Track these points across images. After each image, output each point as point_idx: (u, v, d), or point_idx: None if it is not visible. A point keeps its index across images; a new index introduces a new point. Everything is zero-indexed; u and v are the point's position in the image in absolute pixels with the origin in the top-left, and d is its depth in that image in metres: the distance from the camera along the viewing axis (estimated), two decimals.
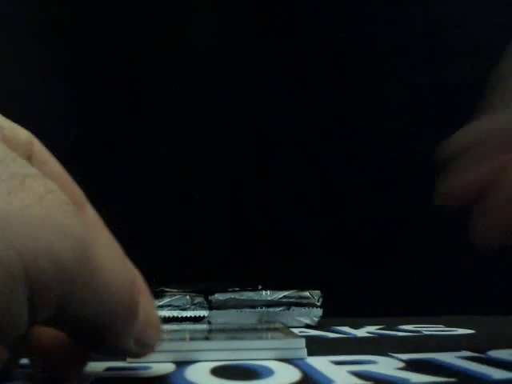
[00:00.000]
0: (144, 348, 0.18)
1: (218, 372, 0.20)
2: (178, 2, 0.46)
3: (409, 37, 0.45)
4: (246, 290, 0.36)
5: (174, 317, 0.35)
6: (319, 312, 0.36)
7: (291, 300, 0.36)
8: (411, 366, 0.21)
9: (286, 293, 0.36)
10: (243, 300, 0.36)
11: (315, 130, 0.47)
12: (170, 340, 0.24)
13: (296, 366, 0.21)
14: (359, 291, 0.48)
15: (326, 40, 0.47)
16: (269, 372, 0.20)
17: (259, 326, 0.32)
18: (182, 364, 0.22)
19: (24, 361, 0.21)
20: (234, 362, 0.22)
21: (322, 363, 0.22)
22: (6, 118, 0.18)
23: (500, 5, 0.43)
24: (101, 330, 0.16)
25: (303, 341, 0.23)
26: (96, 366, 0.21)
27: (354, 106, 0.46)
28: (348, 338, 0.30)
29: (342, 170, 0.47)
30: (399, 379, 0.19)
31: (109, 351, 0.18)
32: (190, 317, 0.35)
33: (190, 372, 0.20)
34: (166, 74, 0.47)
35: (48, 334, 0.18)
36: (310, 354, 0.23)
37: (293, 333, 0.27)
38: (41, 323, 0.15)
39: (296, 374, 0.20)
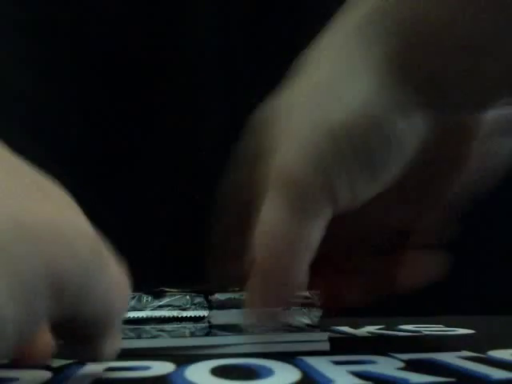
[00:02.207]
0: (112, 351, 0.19)
1: (217, 372, 0.20)
2: (178, 2, 0.46)
3: None
4: (246, 290, 0.36)
5: (173, 317, 0.34)
6: (319, 312, 0.36)
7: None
8: (411, 365, 0.21)
9: None
10: (243, 300, 0.36)
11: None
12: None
13: (296, 365, 0.21)
14: None
15: None
16: (269, 372, 0.20)
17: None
18: (181, 364, 0.22)
19: None
20: (234, 362, 0.22)
21: (322, 363, 0.22)
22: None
23: None
24: (97, 329, 0.17)
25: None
26: (96, 366, 0.21)
27: None
28: (348, 338, 0.30)
29: None
30: (399, 379, 0.19)
31: (88, 350, 0.18)
32: (190, 317, 0.35)
33: (190, 372, 0.20)
34: (166, 73, 0.47)
35: None
36: (310, 354, 0.23)
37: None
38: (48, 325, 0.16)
39: (296, 374, 0.20)
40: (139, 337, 0.29)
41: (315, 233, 0.23)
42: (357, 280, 0.30)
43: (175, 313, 0.35)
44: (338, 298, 0.30)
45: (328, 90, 0.23)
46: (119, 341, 0.19)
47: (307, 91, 0.24)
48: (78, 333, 0.17)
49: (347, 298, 0.30)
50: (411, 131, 0.22)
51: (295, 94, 0.25)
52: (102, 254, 0.16)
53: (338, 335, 0.31)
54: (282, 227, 0.23)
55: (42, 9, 0.45)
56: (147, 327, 0.34)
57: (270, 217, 0.23)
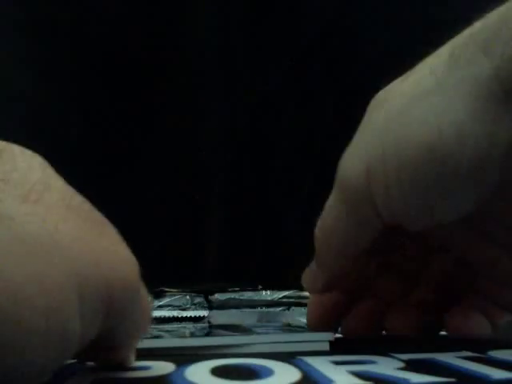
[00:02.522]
0: (131, 361, 0.21)
1: (217, 372, 0.20)
2: (178, 2, 0.46)
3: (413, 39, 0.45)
4: (246, 290, 0.36)
5: (173, 317, 0.35)
6: None
7: (291, 300, 0.36)
8: (411, 365, 0.21)
9: (285, 293, 0.36)
10: (243, 300, 0.36)
11: (318, 129, 0.47)
12: None
13: (296, 365, 0.21)
14: None
15: (328, 38, 0.47)
16: (269, 372, 0.20)
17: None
18: (181, 364, 0.22)
19: None
20: (234, 362, 0.22)
21: (321, 363, 0.22)
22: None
23: None
24: (127, 341, 0.20)
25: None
26: (96, 366, 0.21)
27: (359, 105, 0.46)
28: (348, 338, 0.30)
29: None
30: (399, 379, 0.19)
31: (110, 359, 0.21)
32: (190, 317, 0.35)
33: (190, 372, 0.20)
34: (166, 73, 0.47)
35: None
36: (310, 354, 0.23)
37: None
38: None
39: (296, 374, 0.20)
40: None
41: (358, 236, 0.24)
42: (413, 313, 0.28)
43: (175, 313, 0.35)
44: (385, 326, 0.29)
45: (419, 102, 0.21)
46: (135, 352, 0.21)
47: (400, 96, 0.22)
48: (109, 343, 0.19)
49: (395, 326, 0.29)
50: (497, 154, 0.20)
51: (393, 92, 0.23)
52: (140, 279, 0.19)
53: (338, 335, 0.31)
54: (331, 222, 0.25)
55: (41, 9, 0.45)
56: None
57: (327, 211, 0.25)
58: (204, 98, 0.47)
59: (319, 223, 0.25)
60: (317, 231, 0.26)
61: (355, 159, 0.23)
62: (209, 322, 0.35)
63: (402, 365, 0.21)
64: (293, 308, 0.35)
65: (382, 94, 0.24)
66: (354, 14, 0.47)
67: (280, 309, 0.35)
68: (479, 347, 0.25)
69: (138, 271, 0.18)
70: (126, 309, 0.18)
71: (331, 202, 0.25)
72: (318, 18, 0.47)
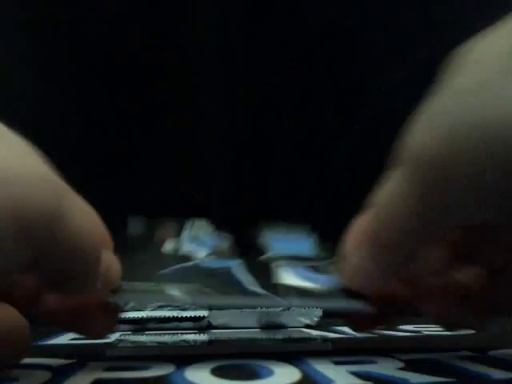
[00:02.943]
0: (107, 286, 0.20)
1: (217, 372, 0.20)
2: (178, 2, 0.46)
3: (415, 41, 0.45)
4: None
5: (173, 317, 0.34)
6: (319, 312, 0.36)
7: None
8: (411, 365, 0.21)
9: None
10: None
11: (318, 129, 0.47)
12: None
13: (296, 366, 0.21)
14: None
15: (328, 38, 0.47)
16: (269, 372, 0.20)
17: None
18: (181, 364, 0.22)
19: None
20: (234, 362, 0.22)
21: (322, 363, 0.22)
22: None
23: None
24: (82, 267, 0.19)
25: None
26: (96, 366, 0.21)
27: (359, 105, 0.46)
28: (348, 338, 0.30)
29: (346, 170, 0.47)
30: (399, 379, 0.19)
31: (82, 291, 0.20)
32: (190, 317, 0.35)
33: (190, 372, 0.20)
34: (166, 73, 0.47)
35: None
36: (310, 354, 0.23)
37: None
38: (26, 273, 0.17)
39: (296, 374, 0.20)
40: (139, 337, 0.29)
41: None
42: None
43: (175, 313, 0.35)
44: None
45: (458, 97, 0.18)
46: (117, 273, 0.20)
47: (461, 79, 0.19)
48: (66, 275, 0.18)
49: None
50: None
51: (466, 63, 0.19)
52: (65, 194, 0.17)
53: (338, 335, 0.31)
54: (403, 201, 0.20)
55: (41, 9, 0.45)
56: (147, 327, 0.34)
57: (394, 190, 0.20)
58: (204, 97, 0.47)
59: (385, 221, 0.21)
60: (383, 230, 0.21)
61: (437, 143, 0.19)
62: (209, 322, 0.35)
63: (401, 365, 0.21)
64: (293, 308, 0.35)
65: (460, 57, 0.20)
66: (353, 13, 0.47)
67: (280, 309, 0.35)
68: (479, 347, 0.25)
69: (57, 185, 0.17)
70: (51, 229, 0.16)
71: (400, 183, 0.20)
72: (318, 18, 0.47)
